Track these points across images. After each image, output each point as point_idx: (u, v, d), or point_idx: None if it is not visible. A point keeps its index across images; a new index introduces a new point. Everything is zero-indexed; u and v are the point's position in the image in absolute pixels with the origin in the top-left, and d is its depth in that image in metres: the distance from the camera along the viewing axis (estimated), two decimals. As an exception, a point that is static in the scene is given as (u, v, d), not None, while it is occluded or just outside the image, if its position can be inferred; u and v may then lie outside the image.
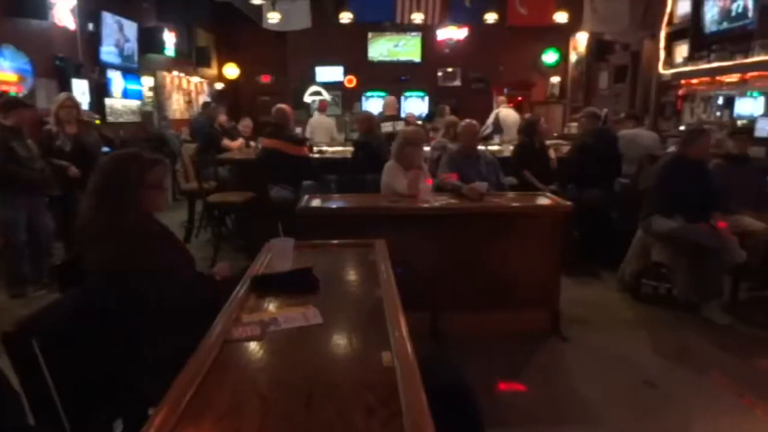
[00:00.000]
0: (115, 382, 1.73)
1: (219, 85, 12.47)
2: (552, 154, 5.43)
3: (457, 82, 12.12)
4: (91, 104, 7.11)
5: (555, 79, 11.65)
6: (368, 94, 11.99)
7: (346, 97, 12.06)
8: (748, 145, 4.40)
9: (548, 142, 6.65)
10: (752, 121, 5.96)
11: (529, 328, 3.57)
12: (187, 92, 10.85)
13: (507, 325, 3.53)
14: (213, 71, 12.37)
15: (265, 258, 2.17)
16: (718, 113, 6.76)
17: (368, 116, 5.99)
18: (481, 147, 5.88)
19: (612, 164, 4.97)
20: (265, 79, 12.97)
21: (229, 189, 5.52)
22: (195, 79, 11.25)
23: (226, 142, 6.69)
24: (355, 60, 11.98)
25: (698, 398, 2.84)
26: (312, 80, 12.06)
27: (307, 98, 11.66)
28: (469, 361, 3.04)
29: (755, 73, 6.11)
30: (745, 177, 4.19)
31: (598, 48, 9.92)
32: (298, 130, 7.78)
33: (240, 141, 6.99)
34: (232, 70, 12.68)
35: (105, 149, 4.65)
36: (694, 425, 2.60)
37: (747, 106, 6.35)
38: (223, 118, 7.55)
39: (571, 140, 6.55)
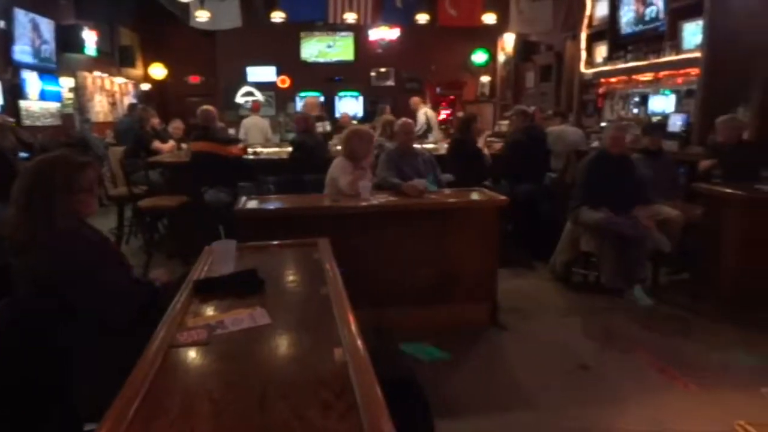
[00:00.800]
0: (50, 397, 1.64)
1: (145, 86, 11.98)
2: (486, 151, 5.60)
3: (391, 82, 12.24)
4: (4, 106, 6.66)
5: (485, 79, 12.00)
6: (302, 94, 11.89)
7: (280, 98, 11.92)
8: (662, 140, 4.72)
9: (481, 140, 6.88)
10: (665, 117, 6.40)
11: (470, 320, 3.68)
12: (110, 93, 10.36)
13: (449, 318, 3.62)
14: (138, 72, 11.87)
15: (206, 262, 2.13)
16: (635, 110, 7.22)
17: (305, 116, 5.96)
18: (417, 146, 5.99)
19: (541, 159, 5.20)
20: (194, 79, 12.59)
21: (160, 193, 5.32)
22: (119, 80, 10.75)
23: (157, 144, 6.45)
24: (288, 60, 11.86)
25: (626, 376, 3.03)
26: (244, 81, 11.83)
27: (240, 99, 11.43)
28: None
29: (666, 72, 6.57)
30: (661, 169, 4.49)
31: (525, 48, 10.32)
32: (232, 131, 7.63)
33: (171, 143, 6.76)
34: (158, 71, 12.22)
35: (23, 154, 4.37)
36: (624, 401, 2.77)
37: (660, 103, 6.81)
38: (156, 120, 7.27)
39: (502, 137, 6.78)
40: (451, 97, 11.26)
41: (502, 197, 3.73)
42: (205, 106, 5.44)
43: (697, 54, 5.65)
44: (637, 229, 3.95)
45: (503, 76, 11.60)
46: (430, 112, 8.35)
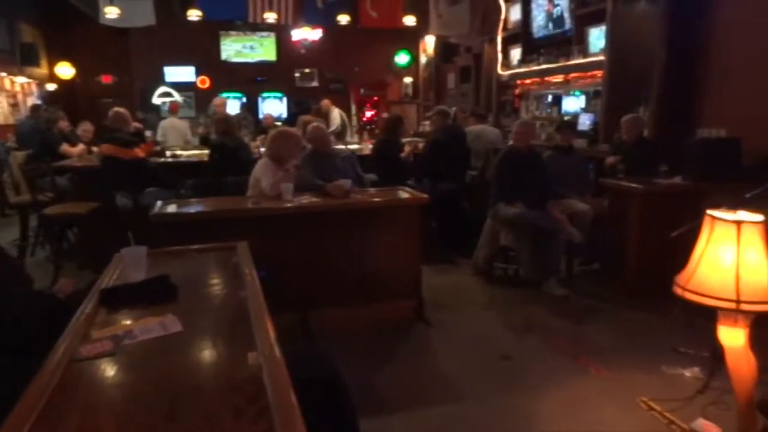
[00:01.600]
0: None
1: (51, 86, 11.21)
2: (408, 150, 5.69)
3: (315, 83, 12.17)
4: None
5: (408, 80, 12.19)
6: (224, 95, 11.54)
7: (200, 99, 11.52)
8: (573, 138, 4.99)
9: (404, 140, 6.99)
10: (575, 117, 6.78)
11: (396, 317, 3.73)
12: (11, 94, 9.62)
13: (376, 317, 3.66)
14: (43, 71, 11.09)
15: (115, 270, 2.03)
16: (549, 110, 7.59)
17: (225, 117, 5.82)
18: (341, 146, 6.00)
19: (462, 158, 5.35)
20: (107, 79, 11.94)
21: (69, 200, 5.00)
22: (20, 80, 10.00)
23: (65, 147, 6.06)
24: (208, 60, 11.50)
25: (544, 364, 3.18)
26: (161, 81, 11.35)
27: (156, 100, 10.96)
28: (342, 354, 3.11)
29: (576, 75, 6.95)
30: (571, 165, 4.75)
31: (445, 50, 10.58)
32: (148, 133, 7.31)
33: (81, 147, 6.37)
34: (66, 70, 11.47)
35: None
36: (541, 387, 2.90)
37: (571, 104, 7.20)
38: (64, 122, 6.83)
39: (425, 137, 6.92)
40: (376, 98, 11.35)
41: (424, 196, 3.81)
42: (117, 108, 5.20)
43: (602, 57, 6.02)
44: (551, 222, 4.16)
45: (425, 78, 11.84)
46: (338, 111, 8.55)
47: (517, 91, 8.17)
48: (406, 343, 3.48)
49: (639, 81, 5.51)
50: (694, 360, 3.04)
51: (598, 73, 6.29)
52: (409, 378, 3.06)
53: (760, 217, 2.15)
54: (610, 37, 5.86)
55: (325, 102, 9.07)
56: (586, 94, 6.88)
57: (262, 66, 11.96)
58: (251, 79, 11.73)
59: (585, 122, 6.52)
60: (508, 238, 4.37)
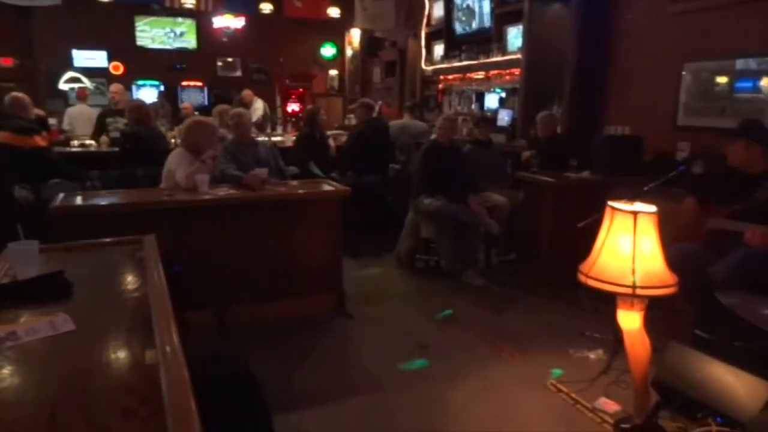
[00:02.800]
0: None
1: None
2: (332, 143, 5.66)
3: (238, 73, 11.79)
4: None
5: (334, 72, 12.09)
6: (140, 82, 10.98)
7: (114, 86, 10.86)
8: (490, 132, 5.14)
9: (329, 132, 6.93)
10: (496, 113, 6.99)
11: (318, 311, 3.71)
12: None
13: (296, 311, 3.62)
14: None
15: (2, 267, 1.86)
16: (472, 106, 7.76)
17: (138, 105, 5.51)
18: (263, 138, 5.87)
19: (385, 151, 5.38)
20: (6, 62, 10.95)
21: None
22: None
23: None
24: (122, 45, 10.84)
25: (462, 351, 3.27)
26: (70, 65, 10.59)
27: (63, 86, 10.21)
28: (261, 350, 3.07)
29: (495, 72, 7.15)
30: (490, 159, 4.90)
31: (371, 44, 10.58)
32: (53, 121, 6.81)
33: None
34: (-43, 51, 10.44)
35: None
36: (458, 374, 2.99)
37: (493, 100, 7.41)
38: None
39: (349, 130, 6.89)
40: (301, 90, 11.16)
41: (345, 188, 3.80)
42: (15, 93, 4.79)
43: (519, 56, 6.24)
44: (470, 215, 4.27)
45: (351, 71, 11.79)
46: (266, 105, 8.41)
47: (440, 86, 8.31)
48: (326, 337, 3.47)
49: (553, 79, 5.75)
50: (599, 343, 3.23)
51: (516, 70, 6.50)
52: (329, 371, 3.05)
53: (653, 208, 2.31)
54: (527, 36, 6.08)
55: (248, 92, 8.84)
56: (507, 91, 7.11)
57: (181, 53, 11.43)
58: (170, 67, 11.19)
59: (504, 118, 6.74)
60: (429, 231, 4.44)
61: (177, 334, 1.38)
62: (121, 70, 10.96)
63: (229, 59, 11.74)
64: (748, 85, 4.34)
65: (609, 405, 2.66)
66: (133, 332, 1.44)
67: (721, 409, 2.35)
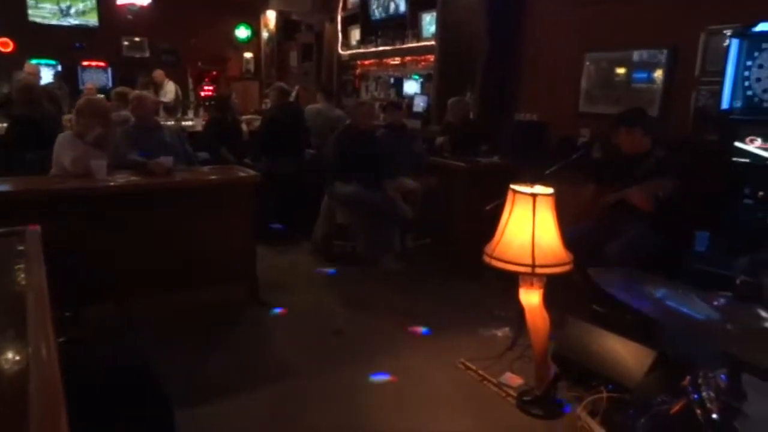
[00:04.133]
0: None
1: None
2: (245, 128, 5.49)
3: (146, 54, 11.14)
4: None
5: (249, 55, 11.72)
6: (33, 61, 10.08)
7: (3, 65, 9.94)
8: (404, 117, 5.17)
9: (244, 117, 6.73)
10: (412, 99, 7.06)
11: (230, 301, 3.62)
12: None
13: (207, 301, 3.51)
14: None
15: None
16: (391, 92, 7.77)
17: (28, 85, 5.06)
18: (171, 122, 5.59)
19: (300, 136, 5.28)
20: None
21: None
22: None
23: None
24: (12, 20, 9.92)
25: (375, 336, 3.29)
26: (-52, 41, 9.56)
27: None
28: (170, 343, 2.95)
29: (411, 58, 7.22)
30: (403, 144, 4.94)
31: (287, 27, 10.34)
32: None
33: None
34: None
35: None
36: (373, 357, 3.00)
37: (412, 87, 7.47)
38: None
39: (263, 115, 6.72)
40: (215, 72, 10.73)
41: (255, 174, 3.69)
42: None
43: (433, 42, 6.32)
44: (385, 200, 4.30)
45: (268, 54, 11.47)
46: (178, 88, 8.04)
47: (357, 71, 8.27)
48: (239, 326, 3.38)
49: (467, 66, 5.87)
50: (506, 321, 3.36)
51: (431, 57, 6.59)
52: (241, 361, 2.98)
53: (551, 190, 2.41)
54: (440, 23, 6.17)
55: (159, 73, 8.38)
56: (424, 77, 7.19)
57: (80, 31, 10.62)
58: (68, 45, 10.38)
59: (419, 104, 6.82)
60: (344, 216, 4.43)
61: (53, 332, 1.27)
62: (10, 47, 10.04)
63: (136, 39, 11.06)
64: (644, 75, 4.64)
65: (513, 379, 2.78)
66: (4, 332, 1.32)
67: (612, 376, 2.53)
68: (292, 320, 3.51)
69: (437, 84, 6.23)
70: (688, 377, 1.10)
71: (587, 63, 5.08)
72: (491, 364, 2.92)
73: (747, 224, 3.18)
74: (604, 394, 2.43)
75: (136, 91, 4.23)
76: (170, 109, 7.56)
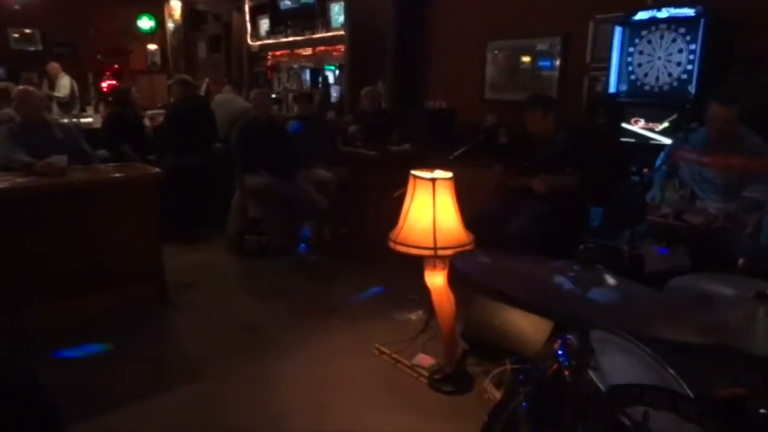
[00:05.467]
0: None
1: None
2: (148, 123, 5.25)
3: (39, 47, 10.34)
4: None
5: (153, 47, 11.16)
6: None
7: None
8: (311, 107, 5.13)
9: (150, 112, 6.42)
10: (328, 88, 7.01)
11: (136, 303, 3.46)
12: None
13: (110, 306, 3.33)
14: None
15: None
16: (306, 83, 7.64)
17: None
18: (64, 120, 5.25)
19: (206, 129, 5.10)
20: None
21: None
22: None
23: None
24: None
25: (291, 328, 3.26)
26: None
27: None
28: (67, 353, 2.78)
29: (323, 48, 7.16)
30: (316, 135, 4.91)
31: (192, 17, 9.96)
32: None
33: None
34: None
35: None
36: (288, 350, 2.99)
37: (329, 77, 7.39)
38: None
39: (165, 109, 6.45)
40: (117, 65, 10.13)
41: (157, 170, 3.55)
42: None
43: (343, 32, 6.30)
44: (297, 191, 4.26)
45: (174, 45, 10.98)
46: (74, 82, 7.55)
47: (269, 62, 8.11)
48: (145, 330, 3.25)
49: (377, 56, 5.91)
50: (420, 305, 3.43)
51: (343, 47, 6.57)
52: (146, 366, 2.86)
53: (449, 174, 2.49)
54: (349, 13, 6.16)
55: (54, 66, 7.82)
56: (339, 68, 7.15)
57: (-41, 22, 9.70)
58: (-55, 39, 9.45)
59: (334, 94, 6.80)
60: (256, 209, 4.35)
61: None
62: None
63: (27, 30, 10.24)
64: (547, 63, 4.87)
65: (425, 360, 2.86)
66: None
67: (515, 348, 2.66)
68: (204, 319, 3.41)
69: (349, 74, 6.24)
70: (558, 341, 1.18)
71: (490, 51, 5.26)
72: (405, 347, 2.99)
73: (633, 199, 3.43)
74: (509, 366, 2.56)
75: (20, 87, 3.91)
76: (65, 105, 7.07)
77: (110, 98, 5.53)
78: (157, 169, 3.54)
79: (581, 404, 1.04)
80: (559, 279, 1.02)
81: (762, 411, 1.63)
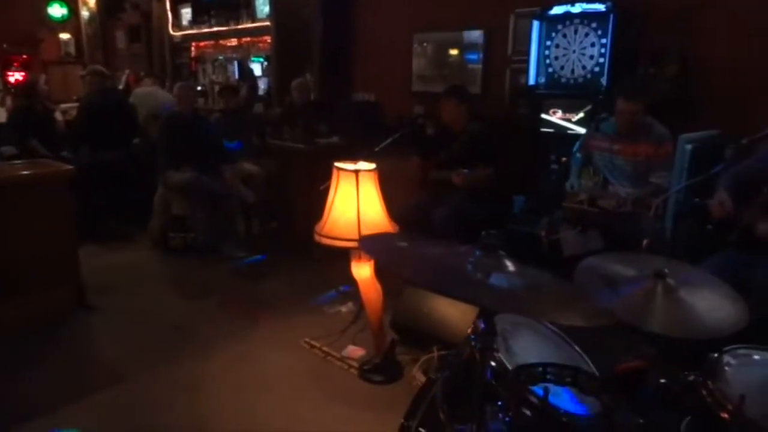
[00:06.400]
0: None
1: None
2: (59, 117, 4.94)
3: (-68, 35, 9.48)
4: None
5: (66, 36, 10.50)
6: None
7: None
8: (237, 100, 4.99)
9: (64, 106, 6.06)
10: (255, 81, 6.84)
11: (50, 309, 3.26)
12: None
13: (20, 313, 3.11)
14: None
15: None
16: (234, 75, 7.39)
17: None
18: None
19: (124, 124, 4.86)
20: None
21: None
22: None
23: None
24: None
25: (218, 327, 3.19)
26: None
27: None
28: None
29: (248, 39, 6.98)
30: (242, 128, 4.80)
31: (108, 5, 9.44)
32: None
33: None
34: None
35: None
36: (215, 350, 2.92)
37: (256, 69, 7.20)
38: None
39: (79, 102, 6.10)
40: (25, 56, 9.45)
41: (68, 168, 3.35)
42: None
43: (268, 23, 6.17)
44: (223, 186, 4.15)
45: (90, 35, 10.37)
46: None
47: (192, 53, 7.82)
48: (62, 336, 3.07)
49: (304, 47, 5.83)
50: (350, 296, 3.44)
51: (269, 38, 6.43)
52: (64, 373, 2.72)
53: (372, 166, 2.51)
54: (273, 3, 6.04)
55: None
56: (267, 59, 6.99)
57: None
58: None
59: (261, 86, 6.66)
60: (181, 206, 4.20)
61: None
62: None
63: None
64: (475, 56, 4.95)
65: (355, 351, 2.88)
66: None
67: (443, 336, 2.72)
68: (126, 321, 3.27)
69: (276, 65, 6.13)
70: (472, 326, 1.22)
71: (416, 44, 5.31)
72: (335, 339, 2.99)
73: (551, 187, 3.58)
74: (436, 353, 2.61)
75: None
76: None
77: (13, 90, 5.14)
78: (70, 166, 3.33)
79: (489, 385, 1.08)
80: (458, 263, 1.05)
81: (662, 381, 1.75)
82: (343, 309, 3.38)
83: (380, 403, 2.50)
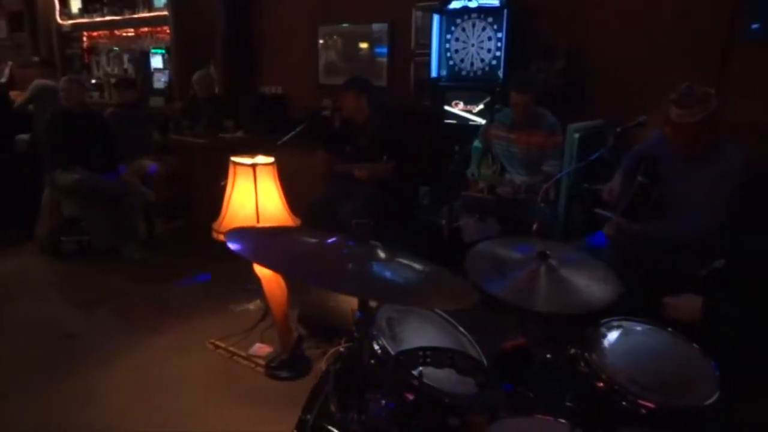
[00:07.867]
0: None
1: None
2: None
3: None
4: None
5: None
6: None
7: None
8: (134, 94, 4.71)
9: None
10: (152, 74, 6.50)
11: None
12: None
13: None
14: None
15: None
16: (132, 67, 6.97)
17: None
18: None
19: (7, 120, 4.47)
20: None
21: None
22: None
23: None
24: None
25: (115, 334, 3.02)
26: None
27: None
28: None
29: (146, 29, 6.62)
30: (138, 124, 4.55)
31: (-16, -10, 8.59)
32: None
33: None
34: None
35: None
36: (113, 358, 2.76)
37: (158, 61, 6.83)
38: None
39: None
40: None
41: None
42: None
43: (166, 12, 5.88)
44: (119, 186, 3.93)
45: (-35, 23, 9.42)
46: None
47: (84, 44, 7.30)
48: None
49: (206, 39, 5.60)
50: (257, 294, 3.36)
51: (169, 28, 6.13)
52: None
53: (271, 160, 2.46)
54: (171, -8, 5.76)
55: None
56: (168, 51, 6.65)
57: None
58: None
59: (160, 80, 6.34)
60: (72, 208, 3.93)
61: None
62: None
63: None
64: (383, 50, 4.95)
65: (262, 349, 2.83)
66: None
67: (350, 327, 2.72)
68: (12, 333, 3.02)
69: (176, 57, 5.85)
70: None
71: (321, 36, 5.26)
72: (242, 338, 2.92)
73: (455, 177, 3.69)
74: (343, 345, 2.61)
75: None
76: None
77: None
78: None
79: (371, 372, 1.09)
80: (331, 254, 1.05)
81: (548, 356, 1.86)
82: (251, 307, 3.31)
83: (288, 400, 2.44)
